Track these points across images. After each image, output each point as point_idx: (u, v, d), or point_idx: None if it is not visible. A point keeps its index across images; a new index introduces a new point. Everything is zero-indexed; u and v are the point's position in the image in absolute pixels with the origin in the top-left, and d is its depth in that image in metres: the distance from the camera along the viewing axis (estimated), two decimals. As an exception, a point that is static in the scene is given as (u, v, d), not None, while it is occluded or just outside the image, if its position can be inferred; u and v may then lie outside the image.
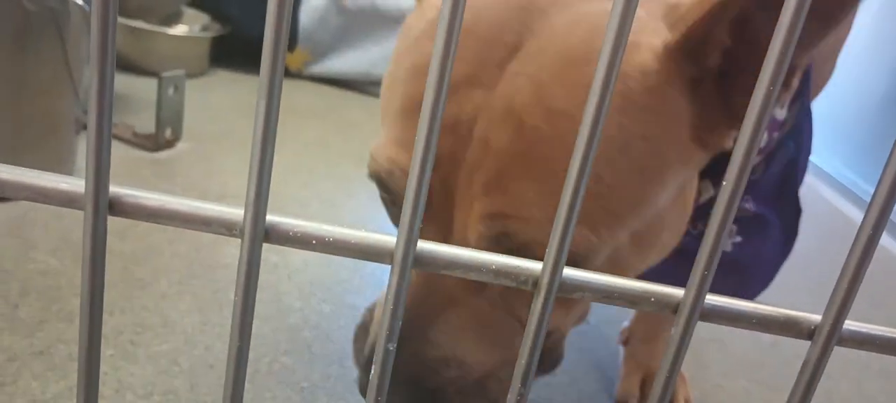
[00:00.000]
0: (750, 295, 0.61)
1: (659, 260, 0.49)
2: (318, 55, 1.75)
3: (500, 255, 0.22)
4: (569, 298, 0.47)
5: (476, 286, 0.43)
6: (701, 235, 0.57)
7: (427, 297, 0.44)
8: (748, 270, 0.58)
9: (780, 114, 0.53)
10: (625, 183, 0.40)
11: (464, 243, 0.42)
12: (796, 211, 0.58)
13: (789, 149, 0.55)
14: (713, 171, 0.53)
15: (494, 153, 0.39)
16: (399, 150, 0.42)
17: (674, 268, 0.59)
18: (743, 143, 0.20)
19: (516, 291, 0.43)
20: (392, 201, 0.46)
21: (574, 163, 0.20)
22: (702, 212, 0.56)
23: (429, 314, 0.43)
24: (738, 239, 0.58)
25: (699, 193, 0.52)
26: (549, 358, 0.49)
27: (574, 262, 0.41)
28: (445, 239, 0.43)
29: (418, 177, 0.21)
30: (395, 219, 0.48)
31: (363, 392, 0.45)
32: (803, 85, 0.53)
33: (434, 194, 0.42)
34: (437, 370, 0.43)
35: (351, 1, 1.73)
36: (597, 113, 0.20)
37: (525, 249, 0.38)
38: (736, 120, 0.42)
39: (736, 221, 0.57)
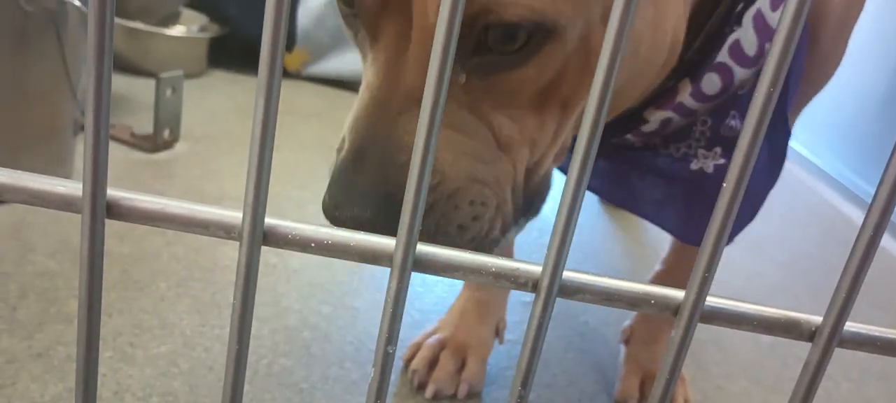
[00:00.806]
0: (735, 228, 0.57)
1: (637, 76, 0.47)
2: (316, 55, 1.75)
3: (498, 258, 0.22)
4: (554, 135, 0.44)
5: None
6: (684, 158, 0.56)
7: (388, 98, 0.39)
8: None
9: (776, 20, 0.52)
10: None
11: (426, 31, 0.38)
12: (785, 133, 0.54)
13: None
14: (692, 73, 0.51)
15: None
16: None
17: (660, 193, 0.58)
18: (743, 146, 0.20)
19: (483, 88, 0.40)
20: (349, 5, 0.41)
21: None
22: (683, 134, 0.54)
23: (391, 113, 0.39)
24: (722, 161, 0.54)
25: (689, 46, 0.50)
26: (537, 201, 0.46)
27: (547, 28, 0.38)
28: (404, 34, 0.39)
29: (417, 178, 0.20)
30: (357, 38, 0.44)
31: (326, 212, 0.39)
32: None
33: None
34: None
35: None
36: None
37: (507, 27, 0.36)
38: None
39: (719, 141, 0.54)
